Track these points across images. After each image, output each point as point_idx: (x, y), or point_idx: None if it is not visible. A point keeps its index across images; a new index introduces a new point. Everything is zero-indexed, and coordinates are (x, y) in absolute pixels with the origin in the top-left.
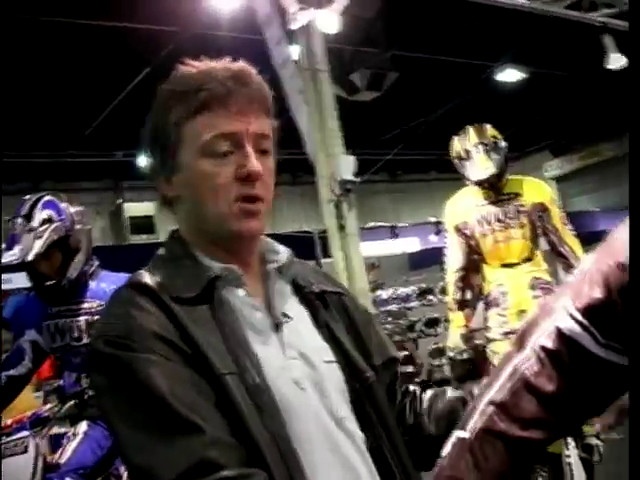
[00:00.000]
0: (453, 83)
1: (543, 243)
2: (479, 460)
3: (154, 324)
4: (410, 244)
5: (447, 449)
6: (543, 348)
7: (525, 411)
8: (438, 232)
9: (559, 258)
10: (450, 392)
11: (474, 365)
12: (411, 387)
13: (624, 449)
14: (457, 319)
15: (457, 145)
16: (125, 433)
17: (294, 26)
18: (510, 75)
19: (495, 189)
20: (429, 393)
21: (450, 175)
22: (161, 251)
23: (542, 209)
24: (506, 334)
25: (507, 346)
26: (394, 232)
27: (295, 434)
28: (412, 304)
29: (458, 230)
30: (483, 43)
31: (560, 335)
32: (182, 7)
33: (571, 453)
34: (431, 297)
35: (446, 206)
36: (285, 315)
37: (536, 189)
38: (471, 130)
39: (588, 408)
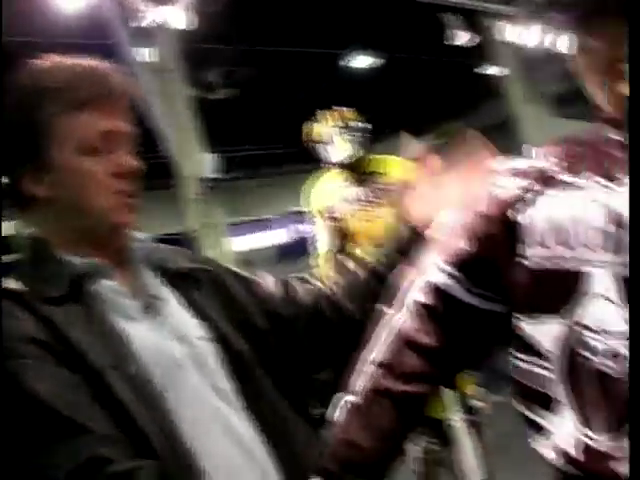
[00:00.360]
0: (308, 74)
1: None
2: (369, 420)
3: (25, 328)
4: (278, 236)
5: (337, 414)
6: (419, 304)
7: (408, 367)
8: (302, 221)
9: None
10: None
11: None
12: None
13: (510, 410)
14: None
15: (317, 128)
16: (11, 443)
17: (142, 24)
18: (362, 61)
19: (357, 169)
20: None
21: (314, 165)
22: (22, 256)
23: (405, 185)
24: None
25: None
26: (264, 225)
27: (183, 416)
28: None
29: (324, 214)
30: (334, 31)
31: (434, 289)
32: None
33: (455, 417)
34: None
35: (310, 192)
36: (155, 297)
37: (398, 166)
38: (330, 113)
39: (467, 357)
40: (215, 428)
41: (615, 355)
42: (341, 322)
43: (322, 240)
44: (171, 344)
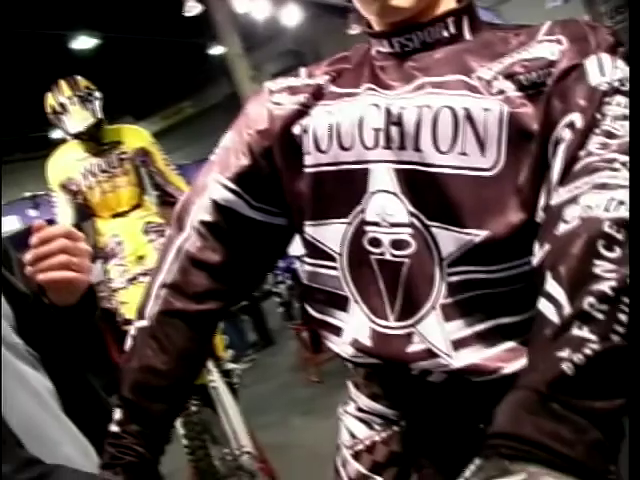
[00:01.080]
0: (33, 57)
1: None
2: (164, 343)
3: None
4: (9, 223)
5: (128, 343)
6: (202, 222)
7: (197, 286)
8: (36, 205)
9: (167, 197)
10: None
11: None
12: None
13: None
14: None
15: (51, 100)
16: None
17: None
18: (84, 42)
19: (95, 140)
20: None
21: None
22: None
23: (144, 153)
24: (129, 281)
25: (132, 293)
26: None
27: None
28: None
29: (64, 187)
30: (56, 12)
31: (216, 206)
32: None
33: (215, 379)
34: None
35: (47, 166)
36: None
37: (135, 135)
38: (63, 83)
39: (253, 271)
40: (12, 383)
41: (399, 243)
42: None
43: (62, 214)
44: None
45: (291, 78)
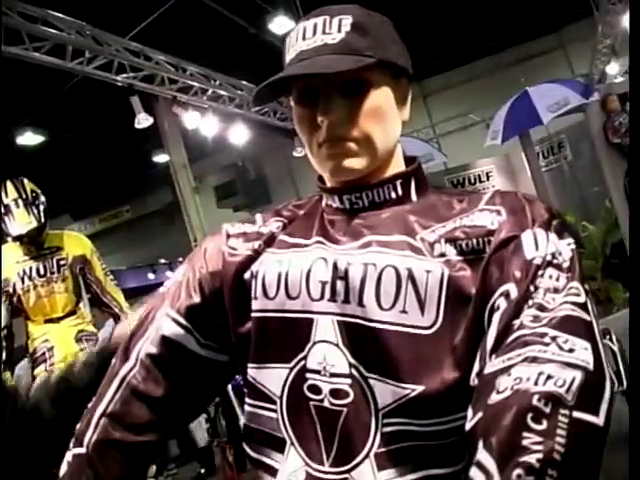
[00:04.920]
0: None
1: (85, 296)
2: (100, 472)
3: None
4: None
5: (63, 469)
6: (148, 355)
7: (137, 417)
8: None
9: (103, 308)
10: None
11: None
12: None
13: None
14: (8, 380)
15: None
16: None
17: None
18: (30, 138)
19: (36, 243)
20: None
21: None
22: None
23: (83, 261)
24: None
25: None
26: None
27: None
28: None
29: None
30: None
31: (164, 340)
32: None
33: None
34: None
35: None
36: None
37: (76, 242)
38: (9, 184)
39: (193, 405)
40: None
41: (338, 392)
42: None
43: None
44: None
45: (247, 224)
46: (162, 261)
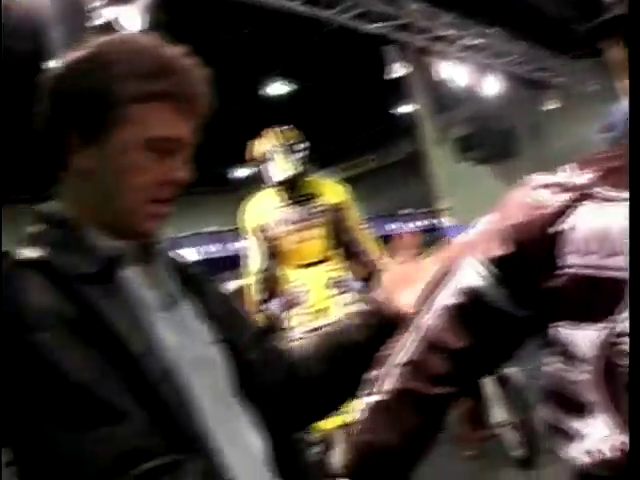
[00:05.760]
0: (225, 97)
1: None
2: (395, 420)
3: (52, 301)
4: (188, 255)
5: (360, 413)
6: (449, 305)
7: (434, 368)
8: (217, 241)
9: (355, 256)
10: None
11: None
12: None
13: None
14: (261, 321)
15: (257, 147)
16: (36, 427)
17: (97, 22)
18: (279, 88)
19: (294, 190)
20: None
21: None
22: (39, 229)
23: (340, 208)
24: (309, 332)
25: None
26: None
27: (202, 417)
28: None
29: (258, 232)
30: (254, 54)
31: (467, 291)
32: None
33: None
34: None
35: (245, 209)
36: (171, 296)
37: (333, 189)
38: (271, 132)
39: (492, 360)
40: (228, 436)
41: None
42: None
43: (253, 258)
44: (188, 343)
45: (559, 175)
46: (403, 212)
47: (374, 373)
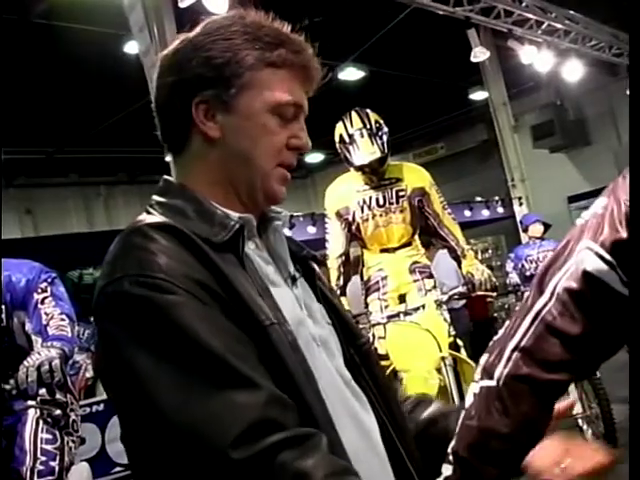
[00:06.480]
0: None
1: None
2: (508, 406)
3: (186, 264)
4: None
5: (470, 400)
6: (566, 290)
7: (550, 354)
8: (292, 226)
9: (439, 241)
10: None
11: None
12: None
13: None
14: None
15: (340, 130)
16: (163, 388)
17: (182, 5)
18: (352, 74)
19: (376, 174)
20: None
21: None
22: (164, 199)
23: (422, 194)
24: (389, 317)
25: (391, 330)
26: None
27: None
28: None
29: (339, 215)
30: (327, 41)
31: (585, 275)
32: None
33: None
34: None
35: (327, 192)
36: (290, 272)
37: (416, 174)
38: (354, 115)
39: (609, 347)
40: (344, 416)
41: None
42: None
43: (333, 241)
44: (307, 319)
45: None
46: (478, 199)
47: (485, 358)
